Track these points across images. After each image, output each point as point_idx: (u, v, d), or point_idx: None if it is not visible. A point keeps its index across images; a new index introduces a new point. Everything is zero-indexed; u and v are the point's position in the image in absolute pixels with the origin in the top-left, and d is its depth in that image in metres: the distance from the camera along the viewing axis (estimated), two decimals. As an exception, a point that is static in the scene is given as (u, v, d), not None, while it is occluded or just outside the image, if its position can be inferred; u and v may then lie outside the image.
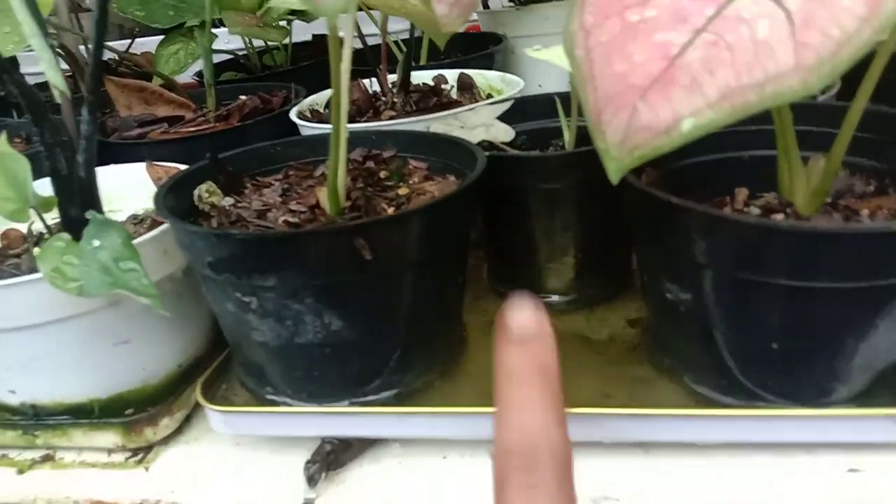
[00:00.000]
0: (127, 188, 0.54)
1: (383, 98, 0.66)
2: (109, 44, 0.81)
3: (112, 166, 0.56)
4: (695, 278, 0.35)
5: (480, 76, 0.69)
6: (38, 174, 0.41)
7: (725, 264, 0.33)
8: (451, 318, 0.45)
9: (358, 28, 0.64)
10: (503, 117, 0.51)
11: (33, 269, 0.43)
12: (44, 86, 0.51)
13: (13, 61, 0.37)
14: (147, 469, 0.43)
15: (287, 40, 0.90)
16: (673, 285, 0.37)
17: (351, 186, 0.44)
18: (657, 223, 0.37)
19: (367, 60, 0.67)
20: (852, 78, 0.29)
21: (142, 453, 0.44)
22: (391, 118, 0.61)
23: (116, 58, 0.87)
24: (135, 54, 0.88)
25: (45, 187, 0.42)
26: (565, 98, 0.49)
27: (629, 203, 0.39)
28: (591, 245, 0.48)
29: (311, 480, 0.39)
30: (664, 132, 0.25)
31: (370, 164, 0.48)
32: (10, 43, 0.45)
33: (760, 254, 0.32)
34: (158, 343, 0.45)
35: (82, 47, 0.71)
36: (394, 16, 0.44)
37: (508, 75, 0.67)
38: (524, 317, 0.23)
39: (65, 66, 0.65)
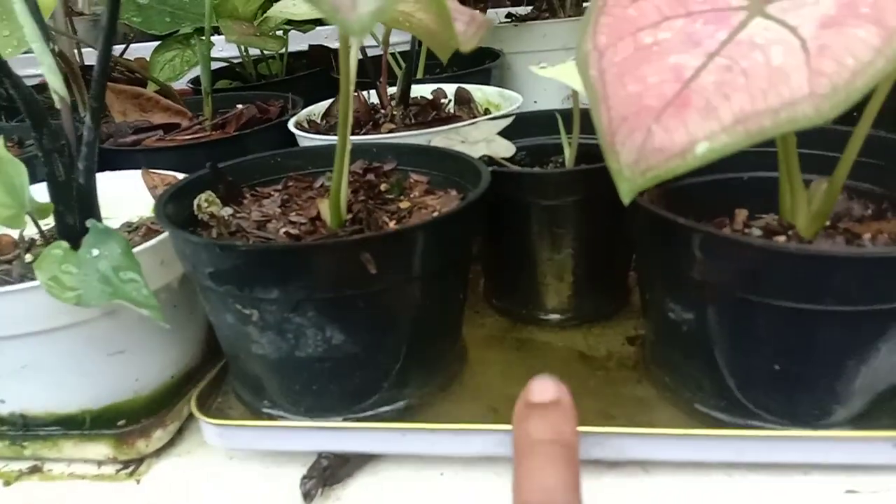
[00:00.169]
0: (121, 195, 0.54)
1: (382, 111, 0.66)
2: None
3: (106, 173, 0.55)
4: (698, 298, 0.35)
5: (478, 91, 0.69)
6: (30, 179, 0.41)
7: (729, 285, 0.34)
8: (452, 333, 0.45)
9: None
10: (502, 133, 0.51)
11: (24, 276, 0.42)
12: (36, 89, 0.51)
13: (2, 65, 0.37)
14: (138, 482, 0.42)
15: (283, 50, 0.90)
16: (675, 304, 0.37)
17: (352, 199, 0.44)
18: (661, 242, 0.37)
19: (367, 72, 0.67)
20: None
21: (133, 466, 0.44)
22: (390, 131, 0.61)
23: (111, 63, 0.86)
24: (129, 60, 0.87)
25: (38, 193, 0.42)
26: (565, 115, 0.50)
27: (633, 221, 0.39)
28: (590, 262, 0.48)
29: (308, 496, 0.38)
30: (679, 154, 0.25)
31: (370, 176, 0.48)
32: (9, 46, 0.45)
33: (765, 275, 0.32)
34: (152, 354, 0.44)
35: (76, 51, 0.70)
36: (397, 29, 0.44)
37: (507, 91, 0.67)
38: (546, 387, 0.26)
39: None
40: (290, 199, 0.46)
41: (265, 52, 0.94)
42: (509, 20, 0.98)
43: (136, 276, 0.35)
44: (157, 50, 0.81)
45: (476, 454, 0.39)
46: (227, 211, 0.44)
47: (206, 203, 0.44)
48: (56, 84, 0.39)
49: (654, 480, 0.38)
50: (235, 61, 0.97)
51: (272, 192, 0.47)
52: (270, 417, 0.41)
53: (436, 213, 0.42)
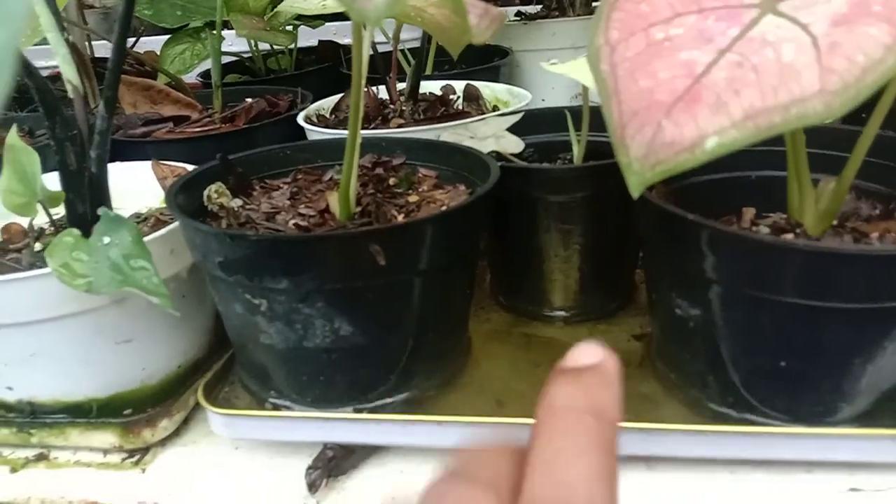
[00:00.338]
0: (130, 186, 0.54)
1: (392, 106, 0.66)
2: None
3: (116, 163, 0.55)
4: (705, 294, 0.35)
5: (487, 88, 0.70)
6: (42, 168, 0.41)
7: (737, 281, 0.34)
8: (459, 326, 0.45)
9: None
10: (511, 129, 0.51)
11: (34, 264, 0.42)
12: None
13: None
14: (144, 471, 0.43)
15: (293, 45, 0.90)
16: (682, 301, 0.37)
17: (361, 192, 0.44)
18: (670, 238, 0.37)
19: (378, 68, 0.68)
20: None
21: (139, 454, 0.44)
22: (400, 126, 0.61)
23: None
24: (138, 52, 0.88)
25: (49, 181, 0.42)
26: (574, 112, 0.50)
27: (642, 218, 0.40)
28: (596, 259, 0.48)
29: (312, 486, 0.39)
30: (688, 149, 0.25)
31: (380, 170, 0.48)
32: (24, 35, 0.45)
33: (773, 272, 0.32)
34: (160, 343, 0.44)
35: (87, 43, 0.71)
36: (408, 24, 0.44)
37: (516, 88, 0.68)
38: (587, 350, 0.19)
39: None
40: (300, 192, 0.46)
41: (275, 47, 0.95)
42: (518, 18, 0.98)
43: (146, 265, 0.35)
44: (167, 43, 0.82)
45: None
46: (236, 202, 0.44)
47: (216, 194, 0.44)
48: (70, 74, 0.40)
49: (658, 476, 0.38)
50: (245, 56, 0.98)
51: (281, 185, 0.47)
52: (277, 408, 0.41)
53: (444, 208, 0.43)
